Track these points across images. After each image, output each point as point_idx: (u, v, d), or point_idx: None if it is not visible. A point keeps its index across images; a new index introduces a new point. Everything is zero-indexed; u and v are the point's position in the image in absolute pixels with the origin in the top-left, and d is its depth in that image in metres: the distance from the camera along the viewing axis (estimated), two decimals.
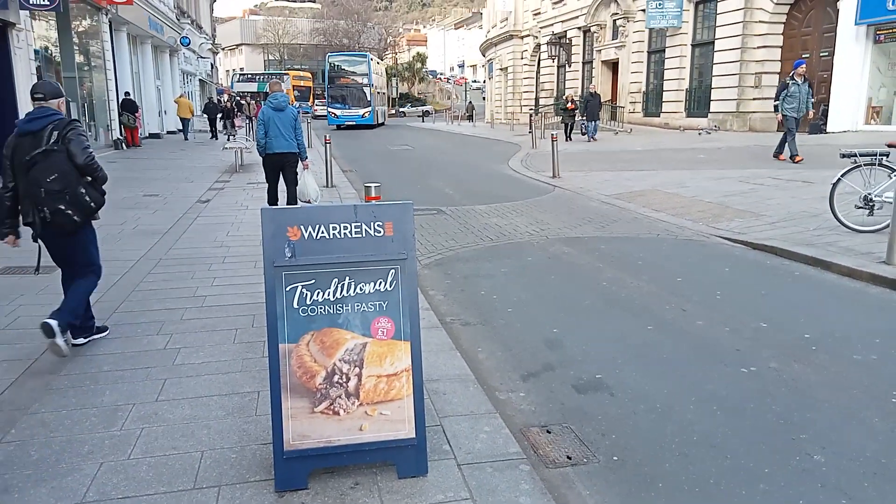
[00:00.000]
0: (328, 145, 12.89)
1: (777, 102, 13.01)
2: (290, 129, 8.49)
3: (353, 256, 2.85)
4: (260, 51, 75.27)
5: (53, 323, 3.93)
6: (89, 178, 4.17)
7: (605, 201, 10.42)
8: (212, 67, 47.35)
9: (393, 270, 2.90)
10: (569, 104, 24.11)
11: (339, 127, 37.00)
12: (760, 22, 21.07)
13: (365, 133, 33.78)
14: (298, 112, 9.01)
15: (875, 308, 5.24)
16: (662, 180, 12.00)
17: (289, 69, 68.04)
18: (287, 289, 2.80)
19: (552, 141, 13.65)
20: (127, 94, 21.89)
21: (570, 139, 23.01)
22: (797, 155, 12.76)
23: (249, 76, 53.94)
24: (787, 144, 13.20)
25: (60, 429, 3.29)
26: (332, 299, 2.83)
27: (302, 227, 2.82)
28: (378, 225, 2.90)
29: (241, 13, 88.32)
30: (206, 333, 4.63)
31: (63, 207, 4.05)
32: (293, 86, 54.04)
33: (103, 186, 4.31)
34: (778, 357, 4.29)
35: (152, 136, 25.69)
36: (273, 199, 8.97)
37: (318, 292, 2.83)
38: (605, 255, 7.14)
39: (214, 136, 27.14)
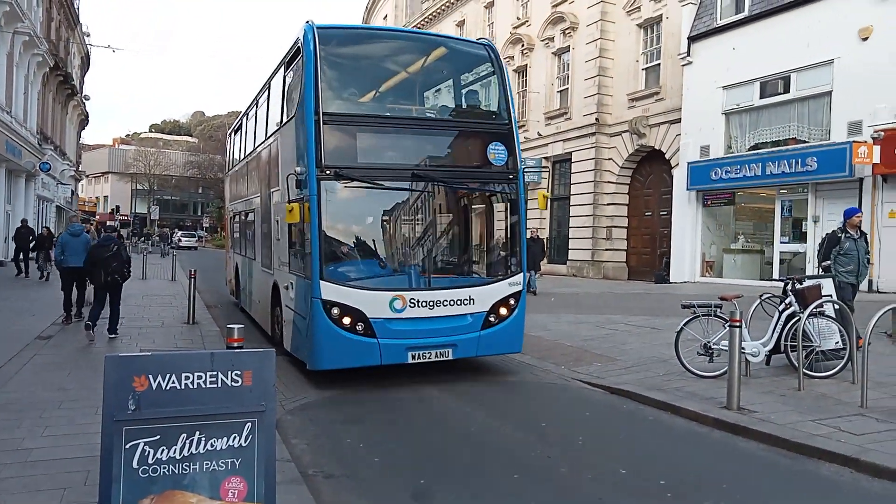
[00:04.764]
0: (193, 280, 12.38)
1: (828, 263, 9.02)
2: (83, 250, 10.74)
3: (205, 409, 2.68)
4: (128, 180, 73.11)
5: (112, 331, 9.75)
6: (128, 265, 9.91)
7: None
8: (72, 194, 45.16)
9: (249, 424, 2.74)
10: None
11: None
12: (609, 182, 23.52)
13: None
14: (90, 238, 12.01)
15: (720, 452, 5.56)
16: (527, 323, 12.47)
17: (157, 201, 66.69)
18: (127, 446, 2.56)
19: None
20: None
21: None
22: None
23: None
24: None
25: None
26: (178, 457, 2.61)
27: (150, 376, 2.64)
28: (236, 374, 2.77)
29: (112, 142, 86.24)
30: (28, 495, 4.05)
31: (118, 276, 9.65)
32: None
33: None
34: None
35: None
36: (68, 303, 11.40)
37: (163, 450, 2.60)
38: (473, 399, 7.16)
39: (22, 272, 19.86)
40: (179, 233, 57.81)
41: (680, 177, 20.10)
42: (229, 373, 2.75)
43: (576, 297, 17.31)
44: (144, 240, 49.00)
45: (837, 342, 7.56)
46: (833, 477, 4.85)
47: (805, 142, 16.65)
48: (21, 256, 20.21)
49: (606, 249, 23.63)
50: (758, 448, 5.52)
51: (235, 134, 14.41)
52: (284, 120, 8.66)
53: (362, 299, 7.15)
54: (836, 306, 7.77)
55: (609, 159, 23.55)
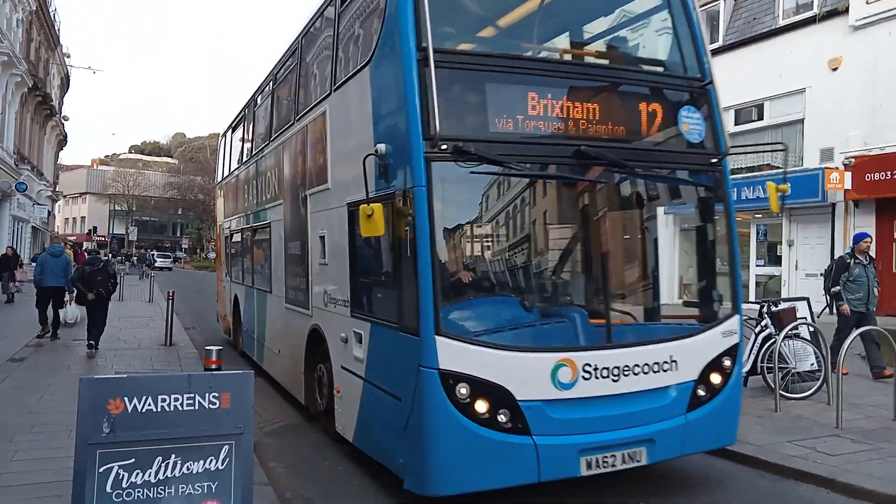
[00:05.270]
0: (171, 301, 12.23)
1: (837, 289, 8.77)
2: (62, 270, 11.43)
3: (182, 432, 2.65)
4: (106, 200, 72.34)
5: (93, 346, 10.21)
6: (113, 279, 10.81)
7: None
8: (48, 215, 44.54)
9: (227, 446, 2.71)
10: None
11: None
12: None
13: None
14: (69, 259, 12.54)
15: (697, 473, 5.58)
16: None
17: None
18: (101, 470, 2.52)
19: None
20: None
21: None
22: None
23: None
24: (853, 354, 8.29)
25: None
26: (153, 481, 2.58)
27: (126, 398, 2.61)
28: (214, 396, 2.75)
29: (91, 162, 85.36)
30: None
31: (102, 290, 10.29)
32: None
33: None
34: None
35: None
36: (43, 317, 11.73)
37: (138, 473, 2.57)
38: None
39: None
40: (155, 253, 57.66)
41: None
42: (207, 395, 2.73)
43: None
44: (122, 260, 48.20)
45: (813, 364, 7.67)
46: (810, 497, 4.89)
47: (779, 168, 16.97)
48: None
49: None
50: (736, 469, 5.55)
51: (233, 132, 11.75)
52: (343, 77, 5.62)
53: (506, 368, 4.17)
54: (811, 328, 7.90)
55: None
